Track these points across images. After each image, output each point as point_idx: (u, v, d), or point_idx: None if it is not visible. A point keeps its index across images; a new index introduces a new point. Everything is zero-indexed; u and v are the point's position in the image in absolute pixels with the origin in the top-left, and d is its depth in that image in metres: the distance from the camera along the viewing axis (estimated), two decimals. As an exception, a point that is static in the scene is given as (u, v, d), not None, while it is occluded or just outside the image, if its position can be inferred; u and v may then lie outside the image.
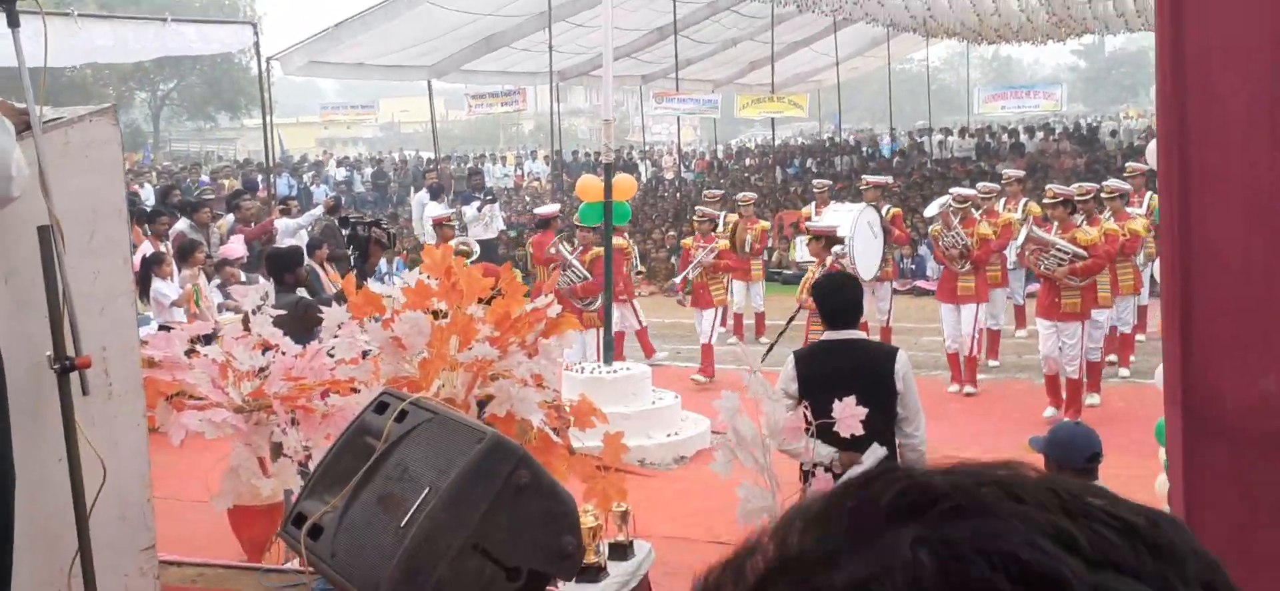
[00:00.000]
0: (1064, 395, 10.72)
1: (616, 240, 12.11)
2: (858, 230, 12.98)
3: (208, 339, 9.12)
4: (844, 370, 5.32)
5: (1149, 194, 13.79)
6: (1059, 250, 10.63)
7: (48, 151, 3.21)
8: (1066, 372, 10.66)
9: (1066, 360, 10.63)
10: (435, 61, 25.15)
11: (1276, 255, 2.76)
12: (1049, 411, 10.74)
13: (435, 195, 18.66)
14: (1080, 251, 10.55)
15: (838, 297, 5.46)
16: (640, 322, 13.22)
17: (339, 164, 39.24)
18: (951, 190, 13.28)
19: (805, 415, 3.92)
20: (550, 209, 14.48)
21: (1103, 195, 11.90)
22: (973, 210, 12.22)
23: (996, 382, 12.31)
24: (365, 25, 20.54)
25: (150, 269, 10.65)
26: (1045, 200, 11.69)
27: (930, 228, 12.61)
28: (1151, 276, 13.54)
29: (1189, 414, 2.81)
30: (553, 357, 4.38)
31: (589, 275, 11.89)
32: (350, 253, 8.56)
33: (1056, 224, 10.97)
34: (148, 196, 20.66)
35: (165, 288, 10.68)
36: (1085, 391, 10.81)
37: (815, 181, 18.71)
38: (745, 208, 15.68)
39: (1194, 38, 2.91)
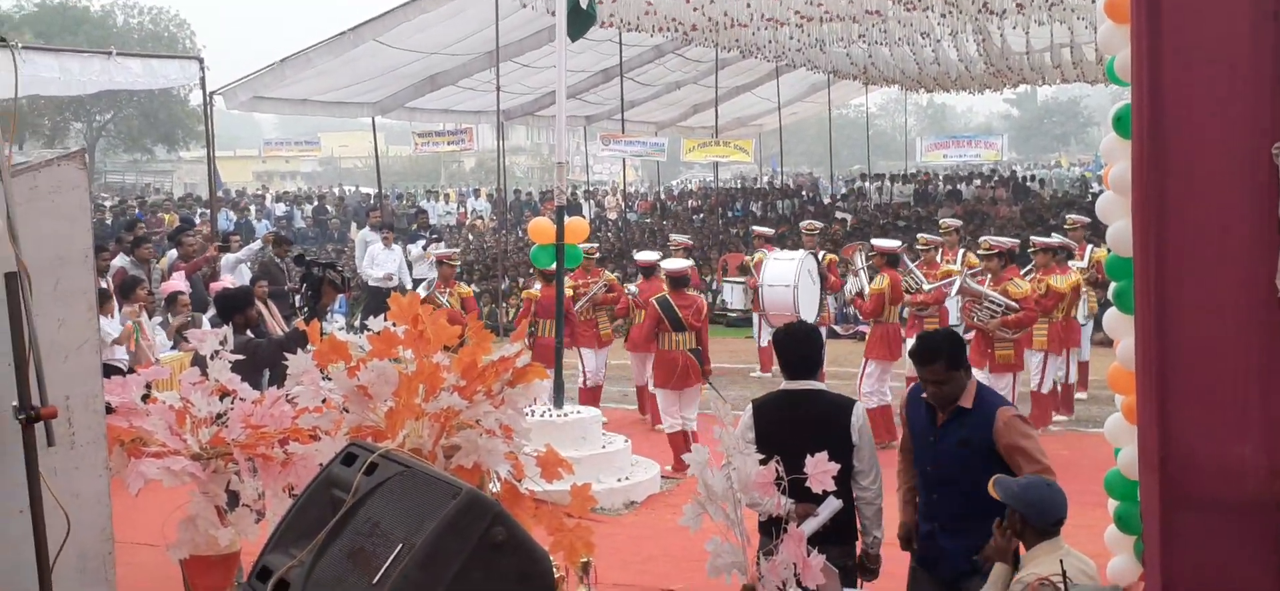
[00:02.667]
0: None
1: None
2: (800, 278, 13.10)
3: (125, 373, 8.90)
4: (802, 421, 5.33)
5: (1089, 248, 13.94)
6: (991, 302, 10.74)
7: (15, 195, 3.13)
8: None
9: None
10: (379, 98, 25.04)
11: (1253, 315, 2.79)
12: None
13: (380, 232, 18.51)
14: (1012, 304, 10.67)
15: (799, 349, 5.47)
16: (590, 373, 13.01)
17: (277, 199, 38.84)
18: (874, 240, 13.47)
19: (777, 469, 3.91)
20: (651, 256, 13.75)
21: (1028, 250, 12.09)
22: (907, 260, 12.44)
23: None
24: (309, 62, 20.40)
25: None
26: (979, 252, 11.76)
27: (848, 281, 12.72)
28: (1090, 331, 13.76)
29: (1166, 480, 2.83)
30: (520, 407, 4.33)
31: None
32: (302, 290, 8.46)
33: (990, 276, 11.07)
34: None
35: (107, 326, 10.46)
36: None
37: (754, 227, 18.80)
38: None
39: (1172, 97, 2.94)
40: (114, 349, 10.34)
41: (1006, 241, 11.59)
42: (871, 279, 12.18)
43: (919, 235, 14.04)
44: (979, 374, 10.77)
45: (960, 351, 5.19)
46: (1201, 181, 2.95)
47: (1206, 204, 2.96)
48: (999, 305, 10.68)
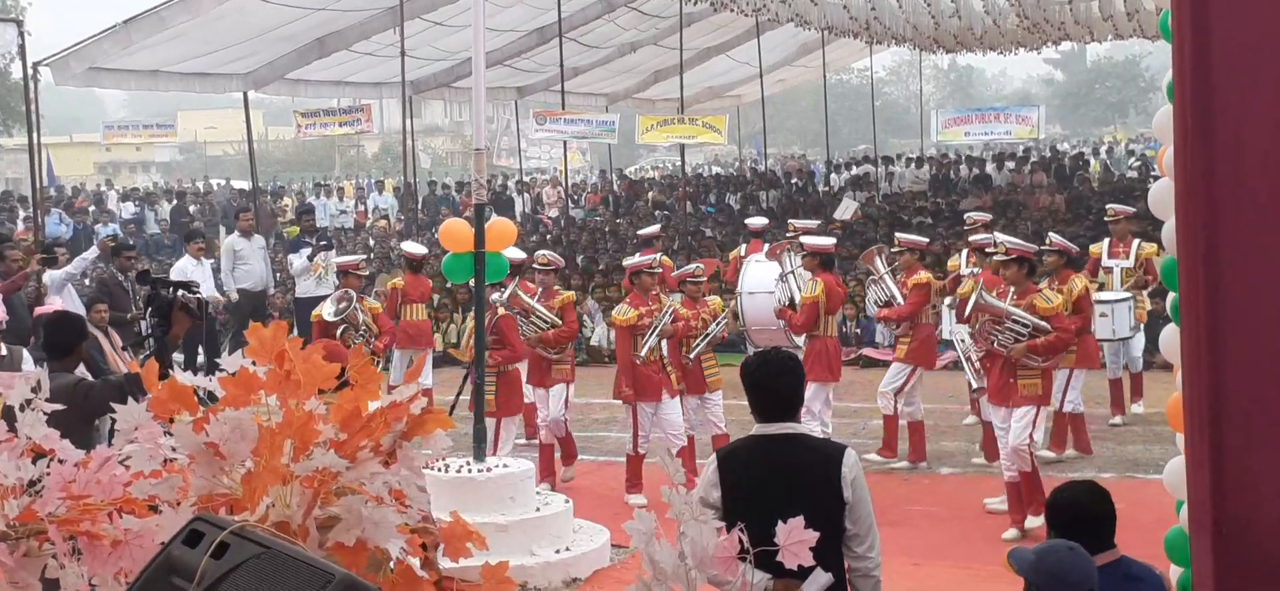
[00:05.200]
0: (1023, 497, 10.67)
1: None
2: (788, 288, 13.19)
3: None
4: (779, 474, 5.33)
5: (1136, 242, 14.19)
6: (1016, 321, 10.67)
7: None
8: (1018, 466, 10.61)
9: (1016, 450, 10.57)
10: (253, 68, 24.95)
11: (1326, 346, 2.81)
12: (1011, 533, 10.60)
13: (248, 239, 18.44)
14: (1041, 323, 10.62)
15: (774, 384, 5.47)
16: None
17: (124, 196, 38.56)
18: (802, 238, 13.77)
19: (740, 539, 3.90)
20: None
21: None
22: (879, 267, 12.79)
23: (964, 478, 12.46)
24: (162, 23, 20.28)
25: None
26: (995, 256, 11.66)
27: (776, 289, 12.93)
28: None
29: (1222, 543, 2.85)
30: (416, 466, 4.30)
31: (559, 321, 12.67)
32: (148, 320, 8.38)
33: (1012, 289, 10.96)
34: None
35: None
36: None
37: (749, 221, 19.08)
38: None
39: (1222, 56, 2.94)
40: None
41: (1023, 243, 11.50)
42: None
43: (897, 235, 14.09)
44: (997, 412, 10.85)
45: None
46: (1260, 162, 2.96)
47: (1268, 190, 2.97)
48: (1026, 325, 10.62)
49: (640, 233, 20.42)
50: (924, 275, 13.09)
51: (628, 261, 13.50)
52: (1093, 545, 5.05)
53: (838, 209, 26.53)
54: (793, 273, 12.70)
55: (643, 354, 11.92)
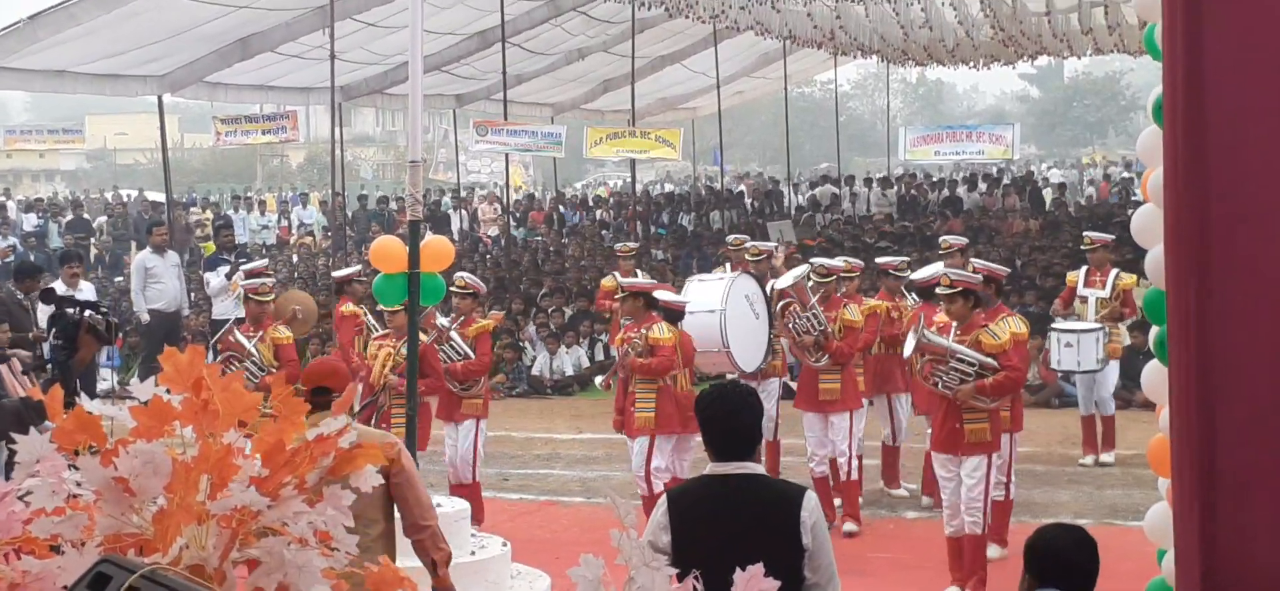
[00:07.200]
0: (964, 557, 10.56)
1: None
2: (731, 305, 12.99)
3: None
4: (734, 517, 5.32)
5: (1114, 272, 14.32)
6: (961, 360, 10.52)
7: None
8: (965, 524, 10.46)
9: (967, 506, 10.43)
10: (169, 69, 24.78)
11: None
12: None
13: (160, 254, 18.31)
14: (989, 360, 10.46)
15: (731, 420, 5.46)
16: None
17: (27, 207, 38.17)
18: (812, 260, 13.80)
19: (695, 587, 3.88)
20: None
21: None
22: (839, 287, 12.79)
23: (932, 522, 12.47)
24: (71, 18, 20.15)
25: None
26: (939, 290, 11.22)
27: (780, 304, 12.82)
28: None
29: (1213, 596, 2.86)
30: (343, 505, 4.26)
31: (471, 353, 12.48)
32: (50, 341, 8.30)
33: (955, 324, 10.71)
34: None
35: None
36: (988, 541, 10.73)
37: (731, 235, 19.07)
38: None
39: (1216, 77, 2.96)
40: None
41: (965, 274, 11.21)
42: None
43: (815, 261, 13.78)
44: (944, 460, 10.71)
45: None
46: (1258, 192, 2.97)
47: (1265, 223, 2.99)
48: (972, 364, 10.46)
49: (617, 247, 20.41)
50: (874, 302, 13.18)
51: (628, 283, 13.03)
52: None
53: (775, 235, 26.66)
54: (814, 306, 12.62)
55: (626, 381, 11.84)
